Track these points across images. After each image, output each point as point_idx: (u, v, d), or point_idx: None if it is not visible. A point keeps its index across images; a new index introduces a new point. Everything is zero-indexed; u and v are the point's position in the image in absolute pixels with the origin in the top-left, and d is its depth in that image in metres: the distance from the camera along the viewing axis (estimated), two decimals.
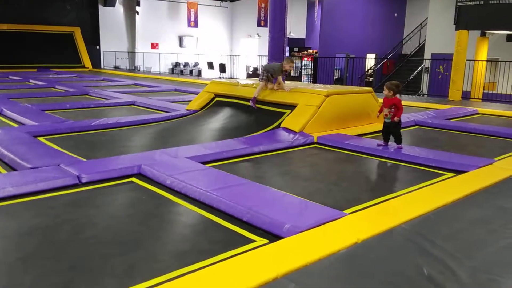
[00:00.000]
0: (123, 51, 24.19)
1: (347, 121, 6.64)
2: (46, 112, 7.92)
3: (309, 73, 18.08)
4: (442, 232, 2.85)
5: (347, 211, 3.26)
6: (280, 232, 2.87)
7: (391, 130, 5.27)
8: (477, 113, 9.03)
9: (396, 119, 5.13)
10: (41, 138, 5.77)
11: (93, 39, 23.34)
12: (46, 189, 3.72)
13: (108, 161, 4.50)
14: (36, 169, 4.16)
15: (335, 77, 19.01)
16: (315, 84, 9.59)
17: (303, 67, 18.45)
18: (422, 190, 3.77)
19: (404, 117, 7.59)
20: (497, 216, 3.16)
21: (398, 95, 5.28)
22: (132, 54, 24.36)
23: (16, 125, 6.76)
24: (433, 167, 4.66)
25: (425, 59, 17.23)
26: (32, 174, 3.95)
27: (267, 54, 8.06)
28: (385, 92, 5.18)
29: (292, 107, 6.55)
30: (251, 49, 26.13)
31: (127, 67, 23.89)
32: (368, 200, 3.62)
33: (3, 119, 7.43)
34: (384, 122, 5.30)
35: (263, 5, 21.93)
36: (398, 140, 5.26)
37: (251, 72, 23.04)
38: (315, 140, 5.82)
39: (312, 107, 6.27)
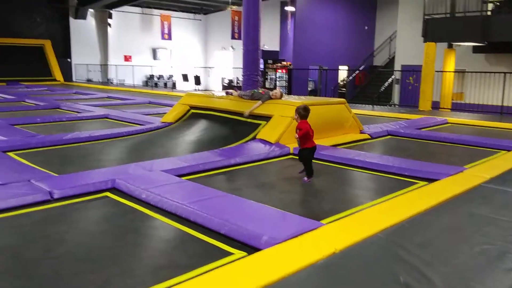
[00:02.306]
0: (96, 64, 23.86)
1: (322, 132, 6.70)
2: (16, 126, 7.71)
3: (284, 84, 18.26)
4: (417, 240, 2.90)
5: (324, 221, 3.28)
6: (258, 244, 2.86)
7: (300, 159, 4.57)
8: (447, 123, 9.29)
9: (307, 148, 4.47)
10: (10, 153, 5.59)
11: (64, 51, 22.96)
12: (17, 205, 3.59)
13: (81, 175, 4.39)
14: (5, 185, 4.02)
15: (309, 89, 19.29)
16: (290, 95, 9.68)
17: (277, 79, 18.62)
18: (396, 199, 3.83)
19: (377, 127, 7.76)
20: (468, 223, 3.24)
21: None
22: (104, 66, 24.04)
23: None
24: (406, 176, 4.75)
25: (396, 70, 17.68)
26: (1, 191, 3.81)
27: (241, 67, 8.11)
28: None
29: (267, 118, 6.58)
30: (225, 62, 26.22)
31: (100, 80, 23.55)
32: (344, 210, 3.65)
33: None
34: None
35: (236, 17, 22.10)
36: (307, 171, 4.49)
37: (226, 84, 23.09)
38: (291, 151, 5.85)
39: (287, 118, 6.32)
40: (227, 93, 7.73)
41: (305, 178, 4.54)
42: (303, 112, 4.54)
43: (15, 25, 21.14)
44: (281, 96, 7.06)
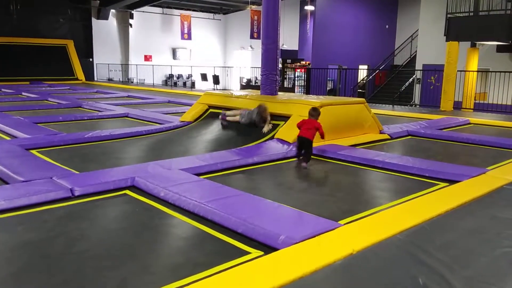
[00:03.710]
0: (117, 64, 24.21)
1: (341, 132, 6.66)
2: (39, 124, 7.87)
3: (302, 84, 18.18)
4: (437, 242, 2.85)
5: (342, 222, 3.26)
6: (275, 243, 2.85)
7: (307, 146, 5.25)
8: (469, 123, 9.11)
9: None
10: (33, 151, 5.72)
11: (86, 51, 23.36)
12: (39, 202, 3.67)
13: (101, 173, 4.47)
14: (28, 182, 4.12)
15: (328, 88, 19.13)
16: (308, 95, 9.64)
17: (296, 79, 18.55)
18: (416, 200, 3.78)
19: (397, 127, 7.67)
20: (491, 226, 3.17)
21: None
22: (125, 66, 24.38)
23: (8, 138, 6.71)
24: (427, 177, 4.68)
25: (417, 70, 17.42)
26: (25, 188, 3.91)
27: (260, 66, 8.11)
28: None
29: (285, 118, 6.57)
30: (244, 61, 26.26)
31: (121, 79, 23.89)
32: (363, 211, 3.62)
33: None
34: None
35: (255, 17, 22.12)
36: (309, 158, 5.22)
37: (244, 84, 23.12)
38: None
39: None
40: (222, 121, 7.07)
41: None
42: (312, 112, 5.48)
43: (39, 25, 21.60)
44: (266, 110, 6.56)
